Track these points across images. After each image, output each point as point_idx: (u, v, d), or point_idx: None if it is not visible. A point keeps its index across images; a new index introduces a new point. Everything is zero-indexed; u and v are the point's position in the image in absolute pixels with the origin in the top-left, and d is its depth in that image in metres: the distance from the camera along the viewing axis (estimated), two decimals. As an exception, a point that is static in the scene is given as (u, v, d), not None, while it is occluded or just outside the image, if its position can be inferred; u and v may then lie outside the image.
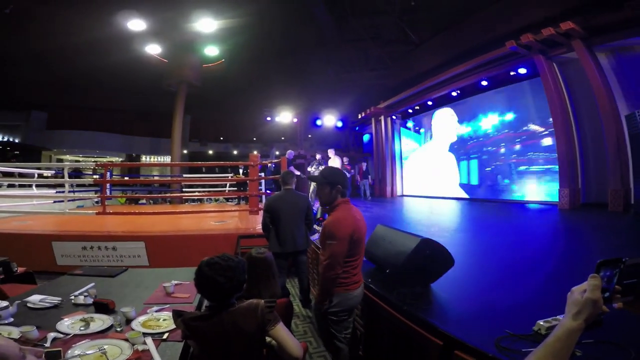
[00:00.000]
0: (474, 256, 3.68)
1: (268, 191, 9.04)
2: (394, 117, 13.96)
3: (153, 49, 14.06)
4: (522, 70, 8.48)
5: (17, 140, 19.58)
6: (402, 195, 13.50)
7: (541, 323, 1.53)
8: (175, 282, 2.45)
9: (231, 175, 12.41)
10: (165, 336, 1.68)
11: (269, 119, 17.47)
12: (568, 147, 7.42)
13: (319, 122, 16.00)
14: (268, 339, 1.56)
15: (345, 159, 10.27)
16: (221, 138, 24.91)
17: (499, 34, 8.91)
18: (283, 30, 15.05)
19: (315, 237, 4.09)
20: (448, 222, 6.73)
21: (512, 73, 8.86)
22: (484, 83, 9.64)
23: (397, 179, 13.84)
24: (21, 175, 10.44)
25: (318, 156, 9.05)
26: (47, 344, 1.52)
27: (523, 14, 8.56)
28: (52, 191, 8.98)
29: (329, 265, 2.04)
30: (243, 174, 11.90)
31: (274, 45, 16.12)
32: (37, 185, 8.82)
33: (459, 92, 10.70)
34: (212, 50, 14.96)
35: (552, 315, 1.54)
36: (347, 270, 2.08)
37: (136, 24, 12.44)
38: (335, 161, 8.63)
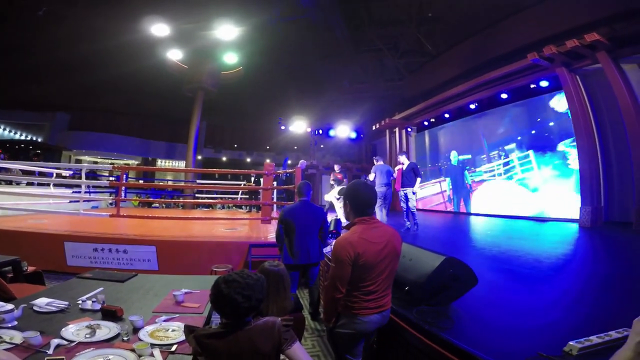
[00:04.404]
0: (495, 274, 3.51)
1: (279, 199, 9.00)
2: (409, 129, 13.81)
3: (174, 55, 14.38)
4: (544, 83, 8.27)
5: (40, 140, 20.22)
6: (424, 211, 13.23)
7: (572, 344, 1.49)
8: (186, 290, 2.38)
9: (244, 183, 12.45)
10: (173, 348, 1.60)
11: (283, 128, 17.55)
12: (591, 162, 7.14)
13: (332, 133, 15.95)
14: (282, 356, 1.47)
15: (336, 167, 9.62)
16: (235, 145, 25.17)
17: (519, 45, 8.77)
18: (299, 39, 15.23)
19: (328, 250, 3.98)
20: (464, 239, 6.52)
21: (532, 86, 8.67)
22: (504, 96, 9.45)
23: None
24: (41, 174, 10.70)
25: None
26: (50, 351, 1.46)
27: (544, 25, 8.40)
28: (68, 191, 9.15)
29: (329, 286, 1.97)
30: (255, 182, 11.93)
31: (290, 54, 16.32)
32: (54, 185, 8.99)
33: (477, 104, 10.52)
34: (230, 58, 15.21)
35: (584, 335, 1.52)
36: (356, 295, 1.93)
37: (160, 29, 12.76)
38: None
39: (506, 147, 9.77)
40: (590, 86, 7.37)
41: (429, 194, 12.86)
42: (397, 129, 13.79)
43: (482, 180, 10.63)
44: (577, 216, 7.20)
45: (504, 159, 9.81)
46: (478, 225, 8.41)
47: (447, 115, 11.79)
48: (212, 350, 1.34)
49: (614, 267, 3.88)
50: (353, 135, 15.98)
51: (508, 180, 9.64)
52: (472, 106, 10.63)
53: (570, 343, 1.49)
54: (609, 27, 6.46)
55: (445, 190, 12.27)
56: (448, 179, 12.16)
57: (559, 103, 8.22)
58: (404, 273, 2.48)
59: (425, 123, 13.00)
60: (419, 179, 6.40)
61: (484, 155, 10.58)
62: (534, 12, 9.08)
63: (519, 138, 9.41)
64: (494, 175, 10.16)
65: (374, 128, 14.90)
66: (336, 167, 9.62)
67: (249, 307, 1.38)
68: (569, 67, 7.34)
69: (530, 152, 8.95)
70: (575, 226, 7.07)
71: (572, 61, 7.24)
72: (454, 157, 11.92)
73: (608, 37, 6.37)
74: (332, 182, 9.25)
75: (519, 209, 9.13)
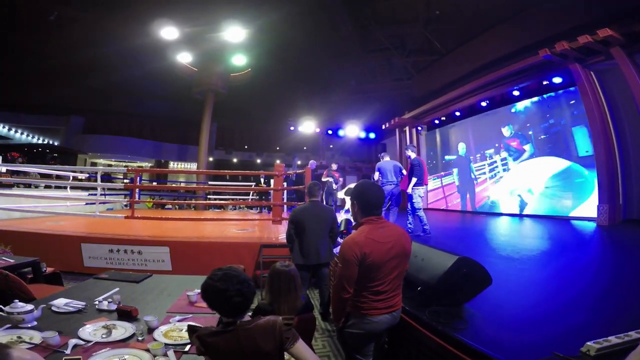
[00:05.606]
0: (510, 273, 3.45)
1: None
2: (419, 127, 13.69)
3: (184, 58, 14.57)
4: (557, 80, 8.11)
5: (56, 143, 20.70)
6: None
7: (590, 344, 1.44)
8: (199, 290, 2.40)
9: (254, 184, 12.55)
10: (187, 348, 1.62)
11: (292, 128, 17.62)
12: (608, 160, 6.97)
13: (341, 133, 15.97)
14: (287, 355, 1.48)
15: (334, 165, 9.97)
16: (245, 147, 25.34)
17: (529, 42, 8.61)
18: (307, 40, 15.24)
19: (338, 250, 3.99)
20: (476, 237, 6.43)
21: (545, 82, 8.50)
22: (516, 93, 9.29)
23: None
24: (58, 177, 10.98)
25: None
26: (68, 351, 1.49)
27: (555, 21, 8.23)
28: (85, 193, 9.35)
29: (336, 286, 1.96)
30: (264, 183, 12.02)
31: (297, 55, 16.35)
32: (71, 188, 9.21)
33: (488, 102, 10.37)
34: (239, 60, 15.33)
35: (602, 336, 1.46)
36: (365, 295, 1.92)
37: (170, 32, 12.93)
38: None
39: (507, 145, 9.64)
40: (605, 82, 7.19)
41: (431, 188, 12.85)
42: (407, 128, 13.69)
43: (490, 173, 10.52)
44: (594, 214, 7.04)
45: (531, 152, 9.51)
46: (490, 224, 8.27)
47: (457, 114, 11.66)
48: (215, 348, 1.36)
49: (632, 266, 3.77)
50: (362, 134, 15.95)
51: (520, 178, 9.47)
52: (483, 104, 10.49)
53: (588, 343, 1.44)
54: (621, 22, 6.30)
55: (452, 182, 12.24)
56: (455, 170, 12.10)
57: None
58: (416, 273, 2.46)
59: (436, 121, 12.88)
60: (414, 179, 5.64)
61: (492, 150, 10.45)
62: (544, 8, 8.90)
63: (530, 134, 9.24)
64: (505, 170, 10.01)
65: (383, 127, 14.83)
66: (334, 166, 9.82)
67: (252, 292, 1.45)
68: (583, 64, 7.17)
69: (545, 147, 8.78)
70: (592, 225, 6.91)
71: (586, 57, 7.07)
72: (462, 148, 11.84)
73: (622, 33, 6.20)
74: (324, 179, 9.36)
75: (534, 207, 8.96)
